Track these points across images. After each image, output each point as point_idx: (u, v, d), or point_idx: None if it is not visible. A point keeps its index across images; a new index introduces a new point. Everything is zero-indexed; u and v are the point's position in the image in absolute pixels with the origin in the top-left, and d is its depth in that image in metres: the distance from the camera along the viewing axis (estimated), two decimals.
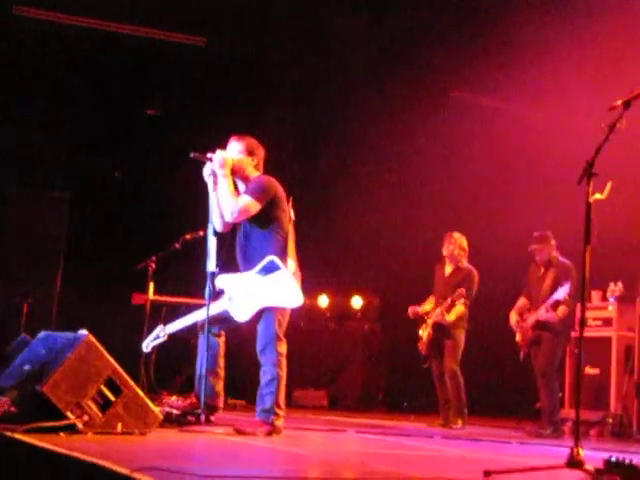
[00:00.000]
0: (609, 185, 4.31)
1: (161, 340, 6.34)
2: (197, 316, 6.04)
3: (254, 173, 5.98)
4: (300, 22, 10.64)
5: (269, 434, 5.63)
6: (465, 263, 8.76)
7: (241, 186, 5.97)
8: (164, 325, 6.35)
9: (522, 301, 8.37)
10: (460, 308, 8.49)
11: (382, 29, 10.51)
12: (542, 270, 8.23)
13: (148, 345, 6.43)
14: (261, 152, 6.05)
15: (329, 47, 10.90)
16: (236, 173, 5.94)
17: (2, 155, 10.52)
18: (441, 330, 8.54)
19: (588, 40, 9.09)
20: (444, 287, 8.68)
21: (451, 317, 8.48)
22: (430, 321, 8.60)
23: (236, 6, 10.13)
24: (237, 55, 11.07)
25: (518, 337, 8.27)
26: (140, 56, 10.77)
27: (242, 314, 5.82)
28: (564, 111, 10.07)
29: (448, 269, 8.79)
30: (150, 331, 6.58)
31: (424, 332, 8.65)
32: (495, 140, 10.64)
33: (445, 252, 8.79)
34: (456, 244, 8.73)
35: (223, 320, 5.91)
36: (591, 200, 4.20)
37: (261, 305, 5.76)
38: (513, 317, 8.33)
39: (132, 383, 5.02)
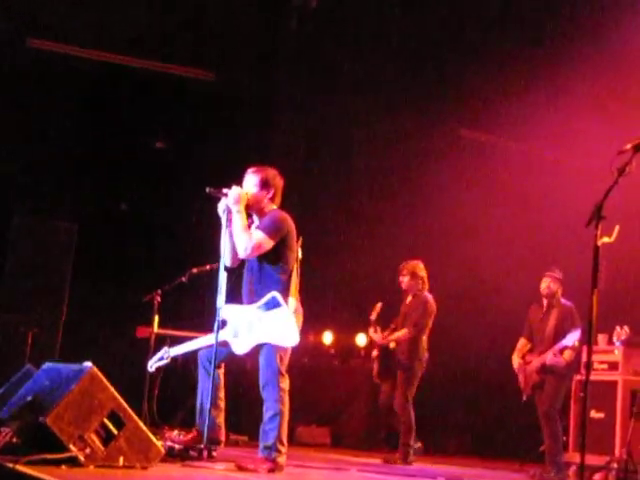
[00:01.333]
0: (617, 228, 4.31)
1: (165, 362, 6.41)
2: (202, 342, 6.03)
3: (269, 207, 5.99)
4: (309, 58, 10.74)
5: (271, 471, 5.59)
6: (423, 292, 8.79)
7: (255, 219, 5.98)
8: (169, 347, 6.39)
9: (523, 342, 8.34)
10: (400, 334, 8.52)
11: (392, 65, 10.60)
12: (544, 310, 8.19)
13: (152, 365, 6.47)
14: (278, 183, 6.02)
15: (338, 84, 10.98)
16: (251, 207, 5.95)
17: (10, 183, 10.57)
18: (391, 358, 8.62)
19: (601, 82, 9.15)
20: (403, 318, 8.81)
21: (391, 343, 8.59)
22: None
23: (245, 42, 10.23)
24: (246, 89, 11.15)
25: (521, 380, 8.22)
26: (149, 89, 10.85)
27: (240, 346, 5.83)
28: (575, 153, 10.11)
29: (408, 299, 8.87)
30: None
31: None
32: (503, 180, 10.68)
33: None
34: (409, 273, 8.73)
35: (223, 351, 5.88)
36: (599, 243, 4.20)
37: (259, 340, 5.77)
38: (515, 360, 8.28)
39: (135, 417, 5.00)
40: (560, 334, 7.97)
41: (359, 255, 11.70)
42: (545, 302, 8.25)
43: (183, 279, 8.22)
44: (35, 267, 10.34)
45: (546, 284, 8.16)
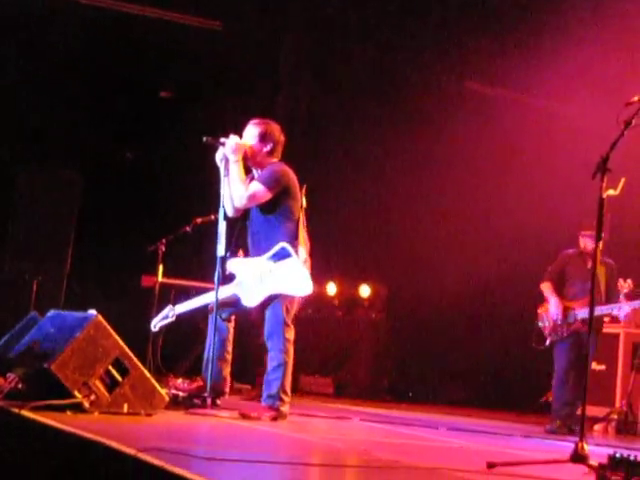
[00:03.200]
0: (622, 181, 4.30)
1: (170, 320, 6.35)
2: (207, 299, 6.05)
3: (268, 159, 5.96)
4: (316, 5, 10.64)
5: (274, 419, 5.65)
6: None
7: (256, 172, 5.97)
8: (173, 305, 6.37)
9: (550, 286, 7.97)
10: None
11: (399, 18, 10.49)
12: (589, 264, 7.71)
13: (156, 324, 6.42)
14: (278, 137, 5.99)
15: (345, 32, 10.88)
16: (250, 159, 5.93)
17: (15, 134, 10.55)
18: None
19: (610, 33, 9.05)
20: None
21: None
22: None
23: None
24: (252, 38, 11.05)
25: (550, 324, 7.82)
26: (155, 38, 10.76)
27: (251, 299, 5.83)
28: (581, 105, 10.03)
29: None
30: (159, 313, 6.60)
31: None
32: (508, 132, 10.61)
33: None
34: None
35: (232, 304, 5.92)
36: (604, 196, 4.19)
37: (270, 291, 5.77)
38: (557, 304, 7.82)
39: (139, 364, 5.04)
40: (610, 290, 7.78)
41: (363, 206, 11.69)
42: (590, 258, 7.83)
43: (187, 229, 8.23)
44: (40, 217, 10.39)
45: (588, 243, 7.73)
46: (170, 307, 6.37)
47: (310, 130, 11.74)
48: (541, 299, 8.08)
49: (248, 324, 6.66)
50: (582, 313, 7.65)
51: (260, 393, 6.00)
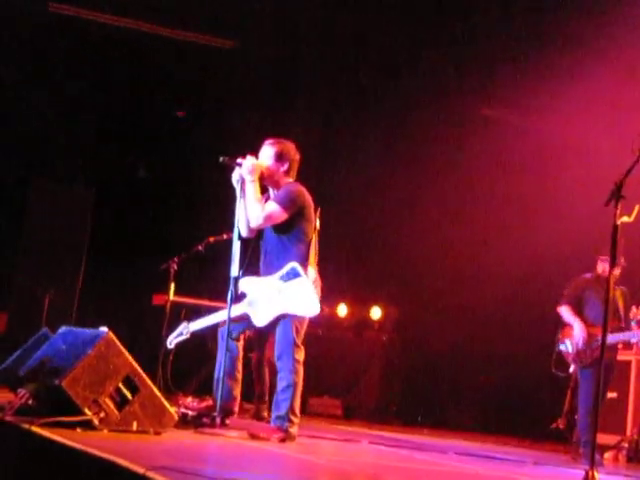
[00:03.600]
0: (637, 208, 4.30)
1: (184, 337, 6.43)
2: (220, 317, 6.05)
3: (284, 179, 5.98)
4: (330, 26, 10.68)
5: (283, 441, 5.63)
6: None
7: (272, 192, 5.98)
8: (188, 323, 6.41)
9: (570, 310, 7.78)
10: None
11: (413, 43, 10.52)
12: (605, 288, 7.71)
13: (172, 341, 6.50)
14: (293, 156, 6.00)
15: (360, 51, 10.91)
16: (266, 179, 5.95)
17: (28, 148, 10.60)
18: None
19: (624, 61, 9.06)
20: None
21: None
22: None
23: (265, 9, 10.18)
24: (266, 57, 11.10)
25: (580, 350, 7.61)
26: (171, 57, 10.82)
27: (261, 319, 5.83)
28: (596, 132, 10.03)
29: None
30: (169, 331, 6.64)
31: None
32: (522, 158, 10.62)
33: None
34: None
35: (242, 323, 5.91)
36: (618, 222, 4.19)
37: (280, 311, 5.77)
38: (582, 329, 7.63)
39: (149, 382, 5.04)
40: (626, 316, 7.70)
41: (375, 228, 11.69)
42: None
43: (200, 248, 8.25)
44: (52, 232, 10.41)
45: (607, 267, 7.68)
46: (185, 324, 6.45)
47: (324, 151, 11.77)
48: (556, 323, 7.95)
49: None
50: (609, 338, 7.22)
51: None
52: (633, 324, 8.49)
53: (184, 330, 6.41)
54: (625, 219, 4.23)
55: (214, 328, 6.16)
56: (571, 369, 7.71)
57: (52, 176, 10.72)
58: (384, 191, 11.77)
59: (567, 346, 7.72)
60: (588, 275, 7.92)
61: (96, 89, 10.79)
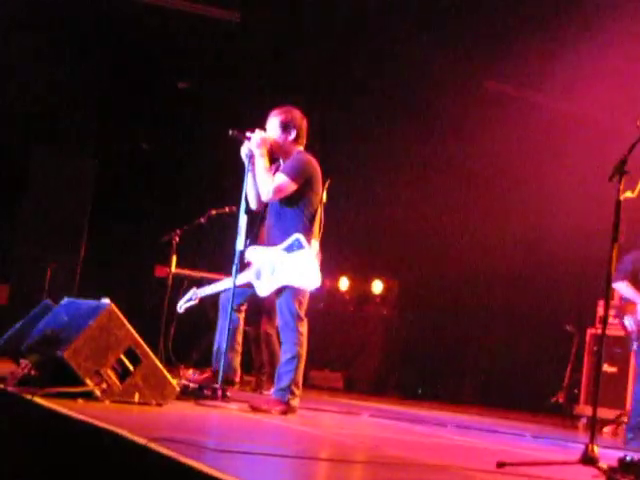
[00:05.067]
0: None
1: (193, 303, 6.60)
2: (228, 284, 6.05)
3: (294, 147, 5.94)
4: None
5: (284, 413, 5.65)
6: None
7: (282, 162, 5.95)
8: (197, 288, 6.49)
9: (632, 287, 7.53)
10: None
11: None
12: None
13: (182, 306, 6.68)
14: (300, 123, 5.94)
15: (364, 27, 10.83)
16: (275, 151, 5.93)
17: (30, 119, 10.57)
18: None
19: (634, 37, 8.99)
20: None
21: None
22: None
23: None
24: (271, 30, 11.02)
25: (637, 327, 7.49)
26: (174, 29, 10.75)
27: (263, 288, 5.85)
28: (600, 107, 9.99)
29: None
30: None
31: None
32: (526, 133, 10.58)
33: None
34: None
35: (244, 293, 5.91)
36: (621, 198, 4.17)
37: (282, 283, 5.77)
38: None
39: (151, 354, 5.06)
40: None
41: (376, 202, 11.67)
42: None
43: (202, 220, 8.25)
44: (54, 203, 10.41)
45: None
46: (194, 290, 6.60)
47: (326, 125, 11.72)
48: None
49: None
50: None
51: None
52: None
53: (193, 296, 6.58)
54: (628, 194, 4.21)
55: (215, 297, 6.21)
56: (634, 346, 7.54)
57: (54, 147, 10.70)
58: (386, 164, 11.74)
59: (630, 323, 7.57)
60: None
61: (99, 60, 10.74)
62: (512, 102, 10.97)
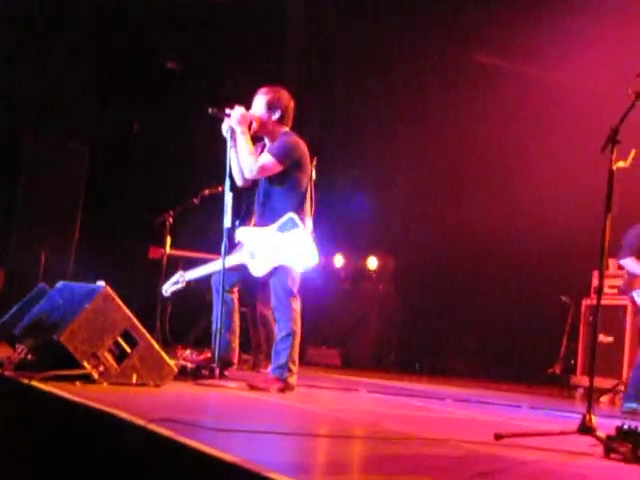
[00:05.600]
0: (633, 153, 4.27)
1: (180, 286, 6.42)
2: (216, 266, 6.03)
3: (279, 128, 5.90)
4: None
5: (282, 391, 5.66)
6: None
7: (268, 141, 5.93)
8: (184, 272, 6.41)
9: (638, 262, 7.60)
10: None
11: None
12: None
13: (167, 290, 6.49)
14: (287, 103, 5.90)
15: (349, 5, 10.81)
16: (260, 130, 5.89)
17: (21, 105, 10.52)
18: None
19: (622, 5, 8.96)
20: None
21: None
22: None
23: None
24: (258, 8, 10.97)
25: None
26: (162, 9, 10.69)
27: (259, 269, 5.83)
28: (590, 76, 9.95)
29: None
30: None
31: None
32: (516, 104, 10.55)
33: None
34: None
35: (235, 274, 5.89)
36: (614, 168, 4.17)
37: (278, 262, 5.76)
38: None
39: (148, 336, 5.06)
40: None
41: (370, 177, 11.66)
42: None
43: (195, 200, 8.23)
44: (47, 188, 10.40)
45: None
46: (181, 273, 6.44)
47: (316, 101, 11.68)
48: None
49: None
50: None
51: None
52: None
53: (180, 279, 6.39)
54: (621, 164, 4.20)
55: (210, 279, 6.16)
56: None
57: (46, 132, 10.66)
58: (379, 139, 11.71)
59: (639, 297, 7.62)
60: None
61: (88, 43, 10.68)
62: (501, 74, 10.94)
